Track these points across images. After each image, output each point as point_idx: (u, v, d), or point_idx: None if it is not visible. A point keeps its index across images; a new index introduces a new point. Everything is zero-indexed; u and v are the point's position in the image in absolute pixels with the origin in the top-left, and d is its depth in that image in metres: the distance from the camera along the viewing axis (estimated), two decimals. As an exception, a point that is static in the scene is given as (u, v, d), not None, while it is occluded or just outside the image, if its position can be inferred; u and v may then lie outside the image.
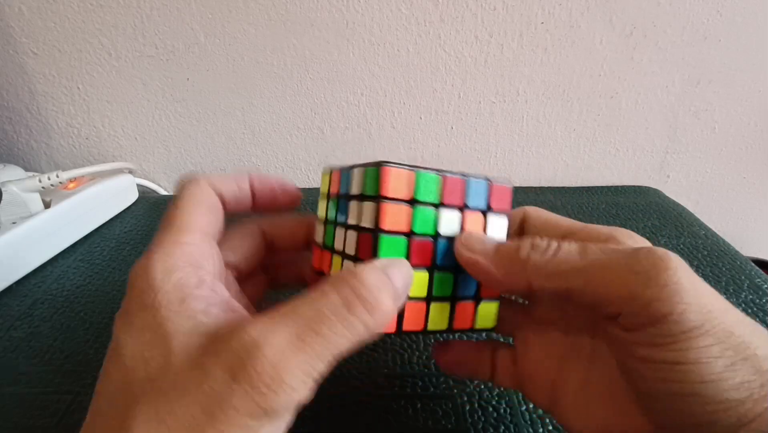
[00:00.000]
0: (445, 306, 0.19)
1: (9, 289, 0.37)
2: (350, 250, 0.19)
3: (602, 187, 0.54)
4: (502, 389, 0.27)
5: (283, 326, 0.14)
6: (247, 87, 0.51)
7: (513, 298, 0.23)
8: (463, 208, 0.19)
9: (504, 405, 0.26)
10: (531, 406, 0.26)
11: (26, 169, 0.44)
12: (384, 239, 0.17)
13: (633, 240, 0.18)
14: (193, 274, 0.17)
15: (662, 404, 0.15)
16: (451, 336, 0.25)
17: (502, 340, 0.24)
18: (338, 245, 0.20)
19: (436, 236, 0.19)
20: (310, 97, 0.51)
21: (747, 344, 0.14)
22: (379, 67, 0.50)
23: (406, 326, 0.18)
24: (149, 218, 0.47)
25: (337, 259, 0.20)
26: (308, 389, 0.14)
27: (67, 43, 0.48)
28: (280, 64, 0.49)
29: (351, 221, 0.19)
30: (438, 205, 0.19)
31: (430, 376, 0.28)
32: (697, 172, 0.57)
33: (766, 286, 0.35)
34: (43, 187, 0.40)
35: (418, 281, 0.18)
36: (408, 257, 0.18)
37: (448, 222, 0.19)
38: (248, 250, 0.22)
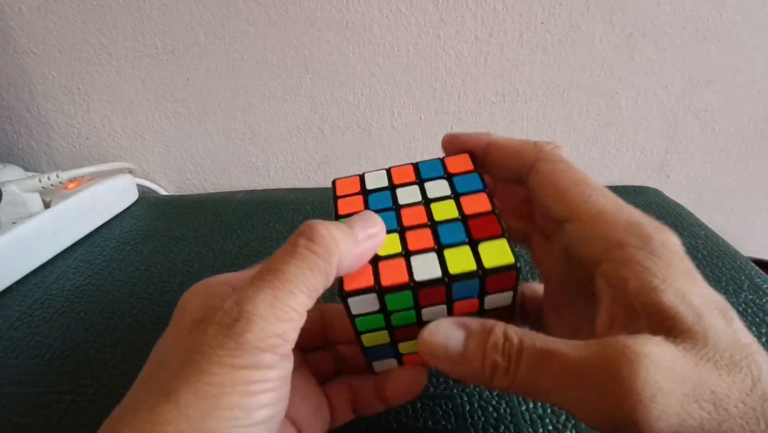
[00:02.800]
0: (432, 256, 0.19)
1: (9, 289, 0.37)
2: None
3: (602, 187, 0.54)
4: (502, 389, 0.27)
5: (251, 280, 0.16)
6: (247, 87, 0.51)
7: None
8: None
9: (504, 405, 0.26)
10: (531, 406, 0.26)
11: (26, 169, 0.44)
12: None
13: (644, 250, 0.16)
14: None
15: None
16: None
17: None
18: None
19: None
20: (310, 97, 0.51)
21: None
22: (379, 67, 0.50)
23: (384, 280, 0.18)
24: (149, 218, 0.47)
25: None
26: (282, 320, 0.15)
27: (67, 43, 0.48)
28: (280, 64, 0.49)
29: None
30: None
31: (430, 376, 0.28)
32: (697, 172, 0.57)
33: (766, 286, 0.35)
34: (43, 187, 0.40)
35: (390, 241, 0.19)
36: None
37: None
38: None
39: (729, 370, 0.14)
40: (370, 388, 0.22)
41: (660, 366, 0.13)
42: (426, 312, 0.19)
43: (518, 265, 0.18)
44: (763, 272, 0.37)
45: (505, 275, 0.18)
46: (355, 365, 0.23)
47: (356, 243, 0.17)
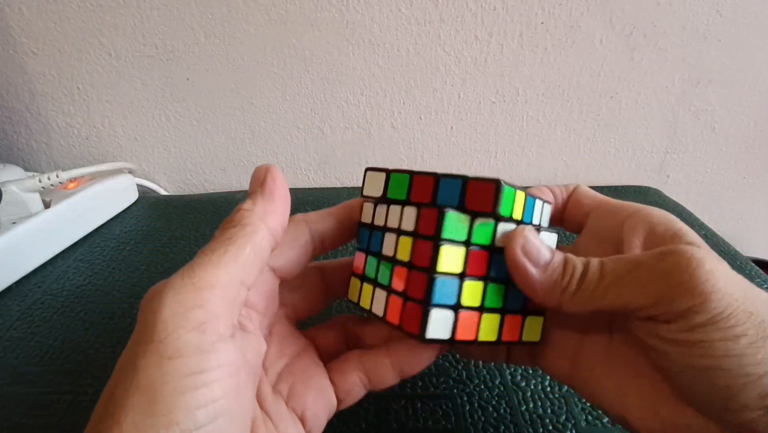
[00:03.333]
0: (496, 317, 0.19)
1: (9, 289, 0.37)
2: (405, 257, 0.19)
3: (602, 187, 0.54)
4: (502, 388, 0.27)
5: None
6: (247, 87, 0.51)
7: None
8: (520, 222, 0.19)
9: (504, 405, 0.26)
10: (531, 406, 0.26)
11: (26, 169, 0.44)
12: (444, 248, 0.18)
13: (659, 212, 0.19)
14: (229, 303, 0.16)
15: (685, 378, 0.16)
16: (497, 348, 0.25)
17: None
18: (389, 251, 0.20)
19: (492, 247, 0.19)
20: (310, 97, 0.51)
21: (766, 324, 0.15)
22: (379, 67, 0.50)
23: (459, 335, 0.18)
24: (149, 218, 0.47)
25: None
26: (200, 288, 0.14)
27: (67, 43, 0.48)
28: (280, 64, 0.49)
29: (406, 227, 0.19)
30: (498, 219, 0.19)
31: (430, 376, 0.28)
32: (697, 172, 0.57)
33: (766, 286, 0.35)
34: (43, 188, 0.40)
35: (473, 290, 0.18)
36: (465, 268, 0.18)
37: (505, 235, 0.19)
38: (295, 253, 0.20)
39: (751, 285, 0.16)
40: (382, 360, 0.21)
41: (712, 258, 0.16)
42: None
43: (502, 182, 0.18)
44: (763, 272, 0.37)
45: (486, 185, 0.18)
46: (371, 343, 0.22)
47: (262, 198, 0.18)
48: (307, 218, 0.21)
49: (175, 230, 0.45)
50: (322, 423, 0.20)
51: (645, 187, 0.54)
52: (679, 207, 0.48)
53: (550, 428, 0.24)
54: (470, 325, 0.18)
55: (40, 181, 0.40)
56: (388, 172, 0.20)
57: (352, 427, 0.24)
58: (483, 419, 0.25)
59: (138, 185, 0.52)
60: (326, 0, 0.46)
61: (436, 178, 0.19)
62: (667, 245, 0.16)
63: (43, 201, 0.42)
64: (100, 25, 0.47)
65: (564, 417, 0.25)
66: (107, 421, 0.13)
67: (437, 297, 0.17)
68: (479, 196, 0.18)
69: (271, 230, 0.17)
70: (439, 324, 0.18)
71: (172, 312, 0.13)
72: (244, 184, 0.57)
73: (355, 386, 0.21)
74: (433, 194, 0.19)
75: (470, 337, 0.18)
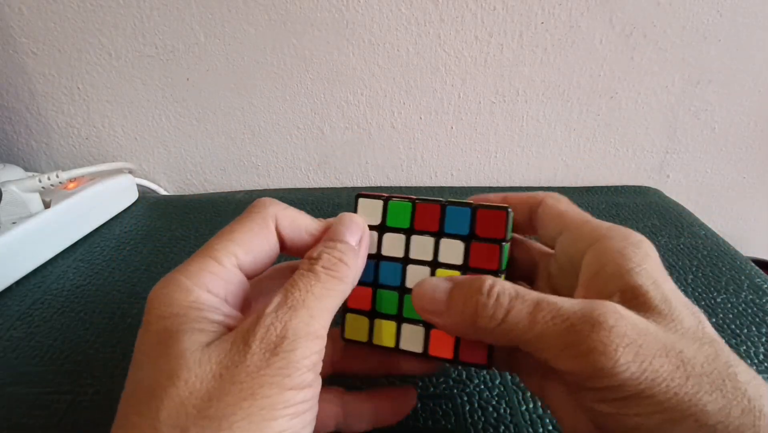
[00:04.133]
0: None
1: (9, 289, 0.37)
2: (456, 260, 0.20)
3: (602, 187, 0.54)
4: (502, 388, 0.27)
5: (281, 298, 0.17)
6: (247, 87, 0.51)
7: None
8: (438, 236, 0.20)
9: (504, 405, 0.26)
10: (531, 406, 0.26)
11: (26, 169, 0.44)
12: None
13: (625, 242, 0.18)
14: (203, 301, 0.17)
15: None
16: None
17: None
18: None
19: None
20: (310, 97, 0.51)
21: (693, 404, 0.14)
22: (379, 67, 0.50)
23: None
24: (149, 218, 0.47)
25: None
26: (318, 337, 0.16)
27: (67, 43, 0.48)
28: (280, 64, 0.49)
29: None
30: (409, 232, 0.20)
31: (430, 376, 0.28)
32: (697, 172, 0.57)
33: (766, 286, 0.35)
34: (43, 188, 0.40)
35: None
36: None
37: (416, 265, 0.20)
38: (259, 250, 0.20)
39: (693, 341, 0.15)
40: (362, 404, 0.22)
41: (630, 322, 0.15)
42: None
43: (509, 209, 0.19)
44: (763, 272, 0.37)
45: (496, 213, 0.19)
46: (355, 367, 0.23)
47: (357, 255, 0.19)
48: (277, 212, 0.21)
49: (175, 230, 0.45)
50: None
51: (645, 187, 0.54)
52: (679, 207, 0.48)
53: (550, 428, 0.24)
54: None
55: (40, 181, 0.40)
56: (386, 200, 0.20)
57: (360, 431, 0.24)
58: (483, 419, 0.25)
59: (138, 185, 0.52)
60: (326, 0, 0.46)
61: (442, 206, 0.19)
62: (595, 301, 0.16)
63: (43, 201, 0.42)
64: (100, 25, 0.47)
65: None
66: (204, 421, 0.14)
67: None
68: (489, 223, 0.19)
69: (352, 286, 0.19)
70: None
71: (301, 356, 0.15)
72: (244, 184, 0.57)
73: (330, 419, 0.21)
74: (441, 223, 0.19)
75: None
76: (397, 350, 0.20)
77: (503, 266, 0.19)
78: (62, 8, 0.46)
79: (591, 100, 0.52)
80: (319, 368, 0.16)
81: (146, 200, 0.51)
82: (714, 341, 0.16)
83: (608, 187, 0.54)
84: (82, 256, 0.41)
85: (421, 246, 0.20)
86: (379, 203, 0.20)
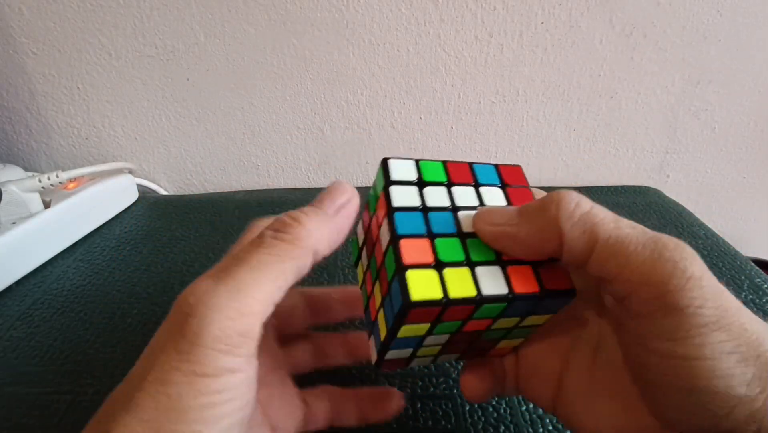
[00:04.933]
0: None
1: (9, 289, 0.37)
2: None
3: (602, 187, 0.54)
4: (502, 389, 0.27)
5: (212, 271, 0.15)
6: (247, 87, 0.51)
7: None
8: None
9: (504, 405, 0.26)
10: (531, 406, 0.26)
11: (26, 169, 0.44)
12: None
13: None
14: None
15: (672, 399, 0.15)
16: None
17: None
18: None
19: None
20: (310, 97, 0.51)
21: (760, 342, 0.14)
22: (379, 67, 0.50)
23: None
24: (149, 218, 0.47)
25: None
26: (245, 314, 0.14)
27: (67, 43, 0.48)
28: (280, 64, 0.49)
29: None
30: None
31: (430, 376, 0.28)
32: (697, 172, 0.57)
33: (766, 286, 0.35)
34: (43, 188, 0.40)
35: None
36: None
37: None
38: (287, 309, 0.20)
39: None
40: (349, 402, 0.22)
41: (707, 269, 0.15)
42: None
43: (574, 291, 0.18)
44: (763, 272, 0.37)
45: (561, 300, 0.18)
46: (334, 356, 0.23)
47: (327, 219, 0.17)
48: (305, 291, 0.21)
49: (175, 230, 0.45)
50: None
51: (645, 187, 0.54)
52: (679, 207, 0.48)
53: (550, 428, 0.24)
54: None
55: (40, 181, 0.40)
56: (416, 161, 0.20)
57: (352, 427, 0.24)
58: (483, 419, 0.25)
59: (138, 185, 0.52)
60: (326, 0, 0.46)
61: (470, 165, 0.21)
62: (678, 241, 0.15)
63: (43, 201, 0.42)
64: (100, 25, 0.47)
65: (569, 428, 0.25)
66: (125, 417, 0.13)
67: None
68: (512, 175, 0.21)
69: (317, 254, 0.16)
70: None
71: (213, 337, 0.13)
72: (244, 184, 0.57)
73: (321, 414, 0.21)
74: (474, 177, 0.20)
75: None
76: (479, 299, 0.17)
77: None
78: (62, 8, 0.46)
79: (591, 100, 0.52)
80: (248, 349, 0.14)
81: (146, 200, 0.51)
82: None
83: (608, 188, 0.54)
84: (82, 256, 0.41)
85: (465, 195, 0.20)
86: (411, 163, 0.20)
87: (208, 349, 0.13)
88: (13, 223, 0.38)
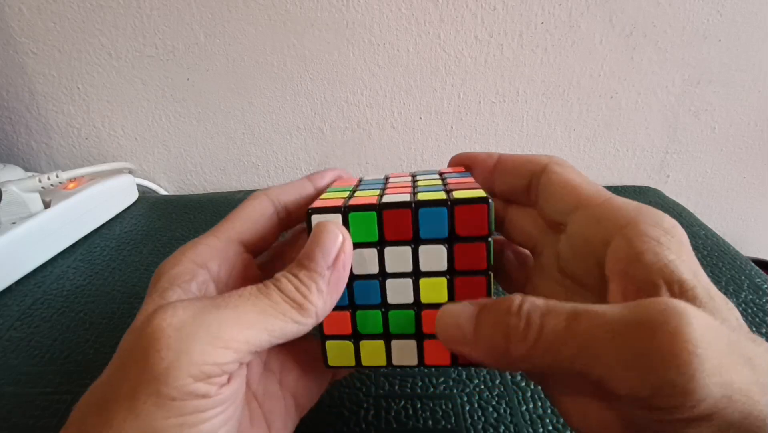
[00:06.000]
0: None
1: (9, 289, 0.37)
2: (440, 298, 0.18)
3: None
4: (502, 388, 0.27)
5: (214, 298, 0.15)
6: (247, 87, 0.51)
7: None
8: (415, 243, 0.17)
9: (504, 405, 0.26)
10: (531, 406, 0.26)
11: (26, 169, 0.44)
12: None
13: (659, 228, 0.16)
14: (189, 271, 0.17)
15: None
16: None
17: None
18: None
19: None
20: (310, 97, 0.51)
21: (763, 423, 0.12)
22: (379, 67, 0.50)
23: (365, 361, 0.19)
24: (149, 218, 0.47)
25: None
26: (222, 348, 0.14)
27: (67, 43, 0.48)
28: (280, 64, 0.49)
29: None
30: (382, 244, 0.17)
31: (430, 376, 0.28)
32: (697, 172, 0.57)
33: (766, 286, 0.35)
34: (43, 188, 0.40)
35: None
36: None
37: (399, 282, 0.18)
38: (261, 227, 0.20)
39: (749, 341, 0.13)
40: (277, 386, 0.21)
41: (703, 323, 0.12)
42: (390, 262, 0.17)
43: (489, 200, 0.17)
44: (763, 272, 0.37)
45: (476, 207, 0.16)
46: (303, 395, 0.21)
47: (326, 285, 0.17)
48: (269, 191, 0.20)
49: (175, 230, 0.45)
50: (315, 397, 0.21)
51: (645, 187, 0.54)
52: (679, 207, 0.48)
53: (550, 428, 0.24)
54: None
55: (40, 181, 0.40)
56: (344, 212, 0.17)
57: (352, 427, 0.24)
58: (483, 419, 0.25)
59: (138, 185, 0.52)
60: (326, 0, 0.46)
61: (413, 210, 0.17)
62: (650, 300, 0.13)
63: (43, 201, 0.42)
64: (100, 25, 0.47)
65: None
66: (97, 418, 0.14)
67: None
68: (471, 220, 0.17)
69: (316, 318, 0.16)
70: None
71: (188, 363, 0.13)
72: (244, 184, 0.57)
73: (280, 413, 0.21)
74: (415, 228, 0.17)
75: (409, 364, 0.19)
76: (389, 366, 0.19)
77: (491, 262, 0.18)
78: (62, 8, 0.46)
79: (591, 100, 0.52)
80: (222, 379, 0.14)
81: (146, 200, 0.51)
82: (757, 338, 0.13)
83: (608, 187, 0.54)
84: (82, 256, 0.41)
85: (398, 257, 0.17)
86: (337, 218, 0.17)
87: (179, 377, 0.13)
88: (13, 223, 0.38)
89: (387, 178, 0.21)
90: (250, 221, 0.20)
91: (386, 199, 0.17)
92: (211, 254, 0.18)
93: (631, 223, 0.16)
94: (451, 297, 0.18)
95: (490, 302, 0.16)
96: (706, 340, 0.12)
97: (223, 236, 0.19)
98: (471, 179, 0.19)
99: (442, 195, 0.17)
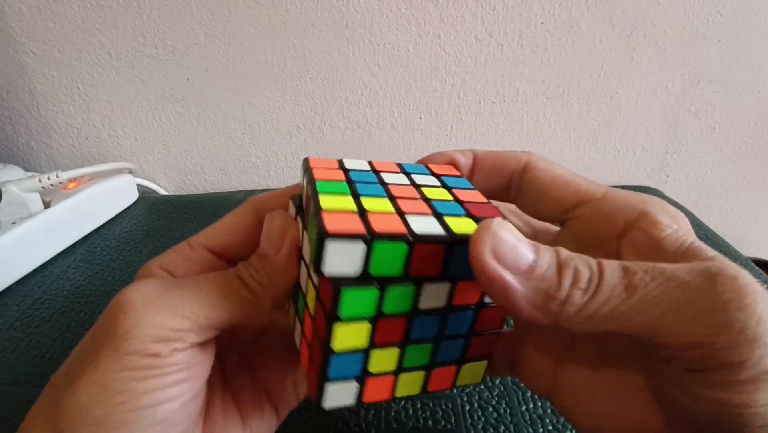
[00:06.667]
0: (419, 375, 0.17)
1: (9, 289, 0.37)
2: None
3: (602, 187, 0.54)
4: (502, 388, 0.27)
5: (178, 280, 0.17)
6: (247, 87, 0.51)
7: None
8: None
9: (504, 405, 0.26)
10: (531, 406, 0.26)
11: (26, 169, 0.44)
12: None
13: (668, 216, 0.16)
14: (153, 274, 0.19)
15: (701, 426, 0.13)
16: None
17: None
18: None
19: (415, 310, 0.15)
20: (310, 97, 0.51)
21: None
22: (379, 67, 0.50)
23: (368, 397, 0.16)
24: (149, 218, 0.47)
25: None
26: (179, 316, 0.15)
27: (67, 43, 0.48)
28: (280, 64, 0.49)
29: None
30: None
31: (430, 376, 0.28)
32: (697, 172, 0.57)
33: (766, 286, 0.35)
34: (43, 188, 0.40)
35: (385, 357, 0.16)
36: (371, 340, 0.15)
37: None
38: (234, 235, 0.20)
39: None
40: (284, 377, 0.21)
41: (749, 276, 0.12)
42: (422, 296, 0.15)
43: None
44: (763, 272, 0.37)
45: None
46: (278, 395, 0.21)
47: (273, 269, 0.17)
48: (256, 198, 0.20)
49: (175, 230, 0.45)
50: (292, 402, 0.21)
51: (645, 187, 0.54)
52: (679, 207, 0.48)
53: (550, 428, 0.24)
54: (383, 387, 0.16)
55: (40, 181, 0.40)
56: (371, 240, 0.14)
57: (352, 427, 0.24)
58: (483, 419, 0.25)
59: (138, 185, 0.52)
60: (326, 0, 0.46)
61: (445, 246, 0.14)
62: (709, 264, 0.13)
63: (43, 201, 0.42)
64: (100, 25, 0.47)
65: (564, 418, 0.25)
66: (63, 391, 0.15)
67: (334, 373, 0.15)
68: (427, 260, 0.14)
69: (275, 301, 0.17)
70: (338, 394, 0.16)
71: (148, 325, 0.15)
72: (244, 184, 0.57)
73: (290, 390, 0.21)
74: (444, 265, 0.15)
75: (384, 397, 0.17)
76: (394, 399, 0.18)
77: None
78: (62, 8, 0.46)
79: (591, 100, 0.52)
80: (177, 344, 0.15)
81: (146, 200, 0.51)
82: None
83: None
84: (82, 256, 0.41)
85: (433, 295, 0.15)
86: (360, 248, 0.14)
87: (137, 333, 0.15)
88: (13, 223, 0.38)
89: (377, 172, 0.18)
90: (224, 229, 0.20)
91: (415, 224, 0.14)
92: (177, 260, 0.19)
93: (642, 214, 0.16)
94: (472, 327, 0.17)
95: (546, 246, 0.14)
96: (758, 287, 0.12)
97: (194, 243, 0.19)
98: (479, 195, 0.18)
99: (471, 226, 0.15)
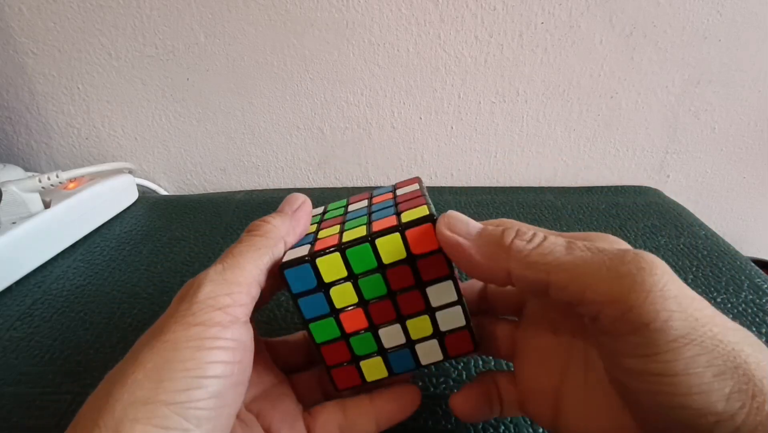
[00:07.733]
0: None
1: (9, 289, 0.37)
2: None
3: (602, 187, 0.54)
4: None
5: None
6: (247, 87, 0.51)
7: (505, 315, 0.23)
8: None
9: (504, 405, 0.26)
10: (531, 406, 0.26)
11: (26, 169, 0.44)
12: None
13: (618, 245, 0.18)
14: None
15: (654, 416, 0.14)
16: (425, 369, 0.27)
17: (500, 367, 0.24)
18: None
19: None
20: (310, 97, 0.51)
21: (737, 352, 0.13)
22: (379, 67, 0.50)
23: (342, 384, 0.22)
24: (149, 218, 0.47)
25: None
26: (230, 282, 0.18)
27: (67, 43, 0.48)
28: (280, 64, 0.49)
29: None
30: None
31: (430, 376, 0.28)
32: (697, 172, 0.57)
33: (766, 286, 0.35)
34: (43, 188, 0.40)
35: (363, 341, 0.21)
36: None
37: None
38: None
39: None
40: (365, 409, 0.22)
41: (682, 288, 0.14)
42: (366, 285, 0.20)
43: (435, 216, 0.19)
44: (763, 272, 0.37)
45: (423, 228, 0.19)
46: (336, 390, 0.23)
47: (288, 218, 0.21)
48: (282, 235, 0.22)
49: (175, 230, 0.45)
50: None
51: (645, 187, 0.54)
52: (679, 207, 0.48)
53: (550, 428, 0.24)
54: (353, 374, 0.22)
55: (40, 181, 0.40)
56: (312, 261, 0.19)
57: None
58: (483, 419, 0.25)
59: (138, 185, 0.52)
60: (326, 0, 0.46)
61: (341, 251, 0.19)
62: (635, 250, 0.15)
63: (43, 201, 0.42)
64: (100, 25, 0.47)
65: None
66: (128, 360, 0.16)
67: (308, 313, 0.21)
68: (422, 238, 0.19)
69: (286, 244, 0.21)
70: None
71: (206, 296, 0.17)
72: (244, 184, 0.57)
73: (333, 431, 0.21)
74: (378, 258, 0.20)
75: (356, 381, 0.22)
76: (393, 375, 0.22)
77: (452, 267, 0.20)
78: (62, 8, 0.46)
79: (591, 100, 0.52)
80: (235, 311, 0.17)
81: (146, 200, 0.51)
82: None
83: (608, 187, 0.54)
84: (82, 256, 0.41)
85: (372, 285, 0.20)
86: (308, 268, 0.20)
87: (202, 305, 0.17)
88: (13, 223, 0.38)
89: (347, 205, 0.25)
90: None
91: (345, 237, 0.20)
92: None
93: (609, 265, 0.16)
94: (428, 304, 0.20)
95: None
96: (673, 282, 0.14)
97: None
98: (418, 190, 0.22)
99: (392, 221, 0.20)
